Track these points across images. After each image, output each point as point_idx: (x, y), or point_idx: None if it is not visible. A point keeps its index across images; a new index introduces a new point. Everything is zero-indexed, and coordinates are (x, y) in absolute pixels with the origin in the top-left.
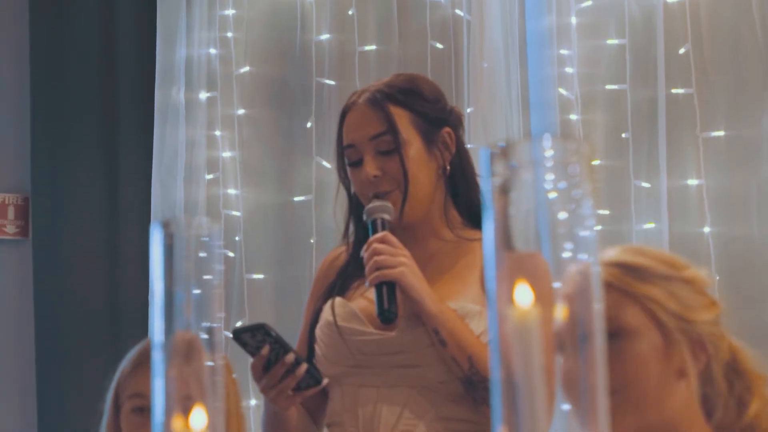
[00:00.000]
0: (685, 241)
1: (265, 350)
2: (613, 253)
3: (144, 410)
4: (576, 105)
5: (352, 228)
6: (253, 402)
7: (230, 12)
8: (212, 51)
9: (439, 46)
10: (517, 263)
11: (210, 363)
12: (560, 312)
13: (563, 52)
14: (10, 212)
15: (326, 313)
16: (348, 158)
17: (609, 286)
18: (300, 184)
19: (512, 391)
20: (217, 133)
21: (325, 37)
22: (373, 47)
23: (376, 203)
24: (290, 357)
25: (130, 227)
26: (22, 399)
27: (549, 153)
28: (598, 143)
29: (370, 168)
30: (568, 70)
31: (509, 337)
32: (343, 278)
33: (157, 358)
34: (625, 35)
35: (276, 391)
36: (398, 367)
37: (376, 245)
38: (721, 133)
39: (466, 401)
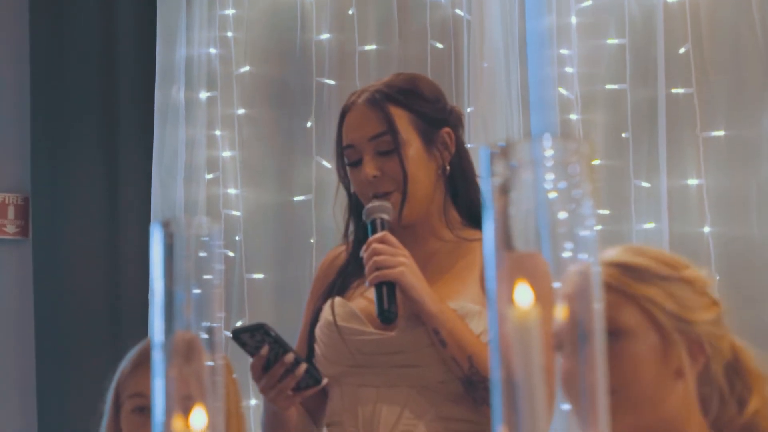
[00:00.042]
0: (685, 241)
1: (265, 350)
2: (613, 253)
3: (144, 410)
4: (576, 105)
5: (351, 228)
6: (253, 402)
7: (230, 12)
8: (212, 51)
9: (439, 45)
10: (517, 263)
11: (210, 363)
12: (560, 312)
13: (563, 51)
14: (10, 212)
15: (326, 313)
16: (347, 158)
17: (607, 287)
18: (300, 183)
19: (512, 391)
20: (217, 132)
21: (325, 36)
22: (373, 47)
23: (375, 203)
24: (289, 357)
25: (130, 227)
26: (22, 399)
27: (549, 153)
28: (598, 143)
29: (370, 168)
30: (568, 69)
31: (509, 337)
32: (343, 278)
33: (158, 357)
34: (625, 35)
35: (275, 391)
36: (398, 367)
37: (375, 245)
38: (721, 132)
39: (466, 401)
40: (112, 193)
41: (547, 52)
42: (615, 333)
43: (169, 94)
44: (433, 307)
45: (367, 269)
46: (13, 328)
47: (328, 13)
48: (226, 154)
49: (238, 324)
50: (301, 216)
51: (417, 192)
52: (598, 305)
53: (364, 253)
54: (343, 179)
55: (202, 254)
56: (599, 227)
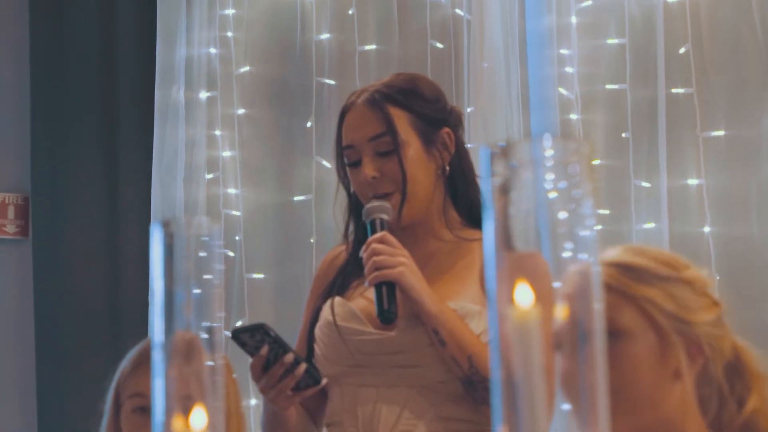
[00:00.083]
0: (685, 241)
1: (264, 350)
2: (613, 253)
3: (144, 410)
4: (576, 105)
5: (351, 227)
6: (253, 402)
7: (230, 12)
8: (212, 50)
9: (439, 45)
10: (517, 263)
11: (210, 363)
12: (560, 312)
13: (563, 51)
14: (10, 212)
15: (326, 313)
16: (347, 158)
17: (606, 287)
18: (300, 183)
19: (512, 391)
20: (217, 132)
21: (325, 36)
22: (373, 47)
23: (374, 203)
24: (289, 357)
25: (130, 227)
26: (22, 399)
27: (549, 153)
28: (598, 143)
29: (369, 170)
30: (568, 69)
31: (509, 336)
32: (343, 277)
33: (158, 357)
34: (625, 35)
35: (275, 391)
36: (398, 367)
37: (375, 245)
38: (721, 132)
39: (466, 401)
40: (112, 193)
41: (547, 52)
42: (614, 334)
43: (169, 94)
44: (433, 307)
45: (366, 269)
46: (13, 328)
47: (328, 13)
48: (226, 154)
49: (238, 324)
50: (301, 216)
51: (416, 193)
52: (598, 305)
53: (363, 253)
54: (343, 179)
55: (202, 254)
56: (599, 227)
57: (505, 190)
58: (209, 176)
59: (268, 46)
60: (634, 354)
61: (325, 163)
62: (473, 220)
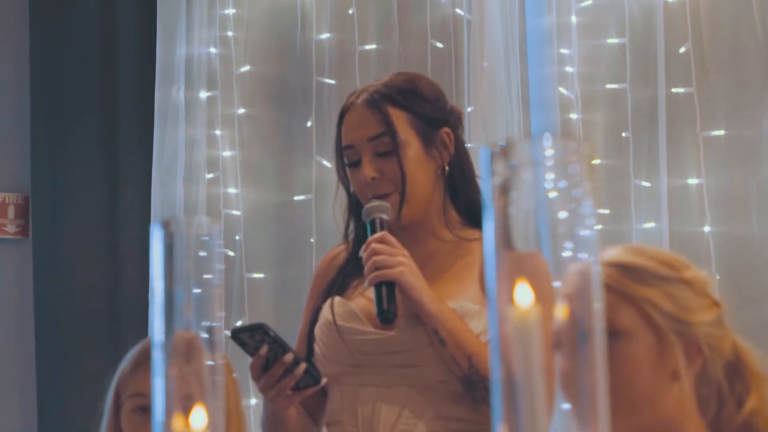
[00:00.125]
0: (685, 241)
1: (264, 350)
2: (612, 253)
3: (144, 410)
4: (576, 104)
5: (351, 227)
6: (253, 401)
7: (230, 11)
8: (212, 50)
9: (440, 45)
10: (517, 263)
11: (210, 362)
12: (560, 311)
13: (563, 51)
14: (10, 211)
15: (325, 312)
16: (347, 158)
17: (605, 287)
18: (300, 183)
19: (512, 391)
20: (218, 132)
21: (325, 36)
22: (374, 46)
23: (374, 203)
24: (289, 357)
25: (130, 227)
26: (22, 399)
27: (549, 152)
28: (598, 142)
29: (368, 170)
30: (569, 69)
31: (509, 336)
32: (343, 277)
33: (158, 357)
34: (625, 34)
35: (275, 390)
36: (397, 367)
37: (374, 245)
38: (722, 132)
39: (466, 401)
40: (112, 193)
41: (547, 52)
42: (612, 334)
43: (169, 93)
44: (433, 306)
45: (366, 269)
46: (13, 327)
47: (328, 12)
48: (226, 153)
49: (238, 323)
50: (301, 215)
51: (416, 193)
52: (598, 305)
53: (363, 253)
54: (343, 179)
55: (202, 254)
56: (599, 227)
57: (505, 189)
58: (209, 176)
59: (269, 45)
60: (633, 354)
61: (325, 162)
62: (473, 219)
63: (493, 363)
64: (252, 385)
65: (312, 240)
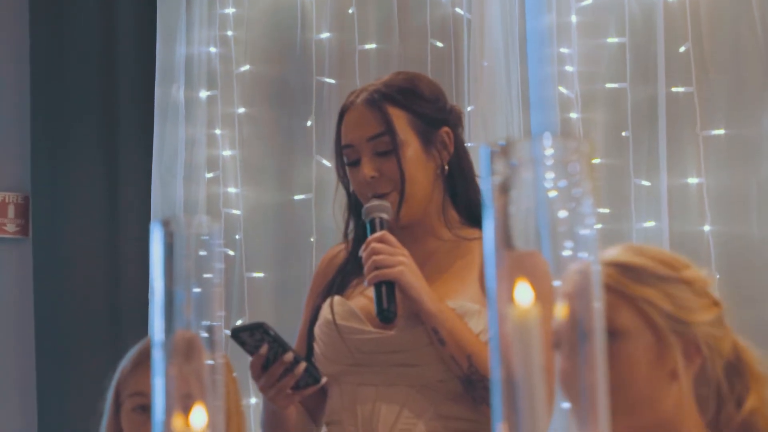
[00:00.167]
0: (685, 240)
1: (264, 349)
2: (612, 253)
3: (144, 409)
4: (576, 103)
5: (351, 226)
6: (253, 400)
7: (230, 11)
8: (212, 49)
9: (440, 44)
10: (517, 262)
11: (210, 361)
12: (560, 311)
13: (563, 50)
14: (11, 211)
15: (325, 312)
16: (346, 158)
17: (604, 287)
18: (300, 182)
19: (512, 390)
20: (218, 131)
21: (325, 35)
22: (374, 46)
23: (374, 202)
24: (289, 356)
25: (130, 226)
26: (22, 399)
27: (549, 151)
28: (598, 142)
29: (368, 169)
30: (569, 68)
31: (509, 335)
32: (342, 276)
33: (158, 356)
34: (625, 34)
35: (275, 389)
36: (397, 366)
37: (374, 245)
38: (722, 131)
39: (465, 400)
40: (112, 193)
41: (547, 51)
42: (611, 334)
43: (169, 93)
44: (432, 306)
45: (366, 268)
46: (13, 327)
47: (328, 12)
48: (226, 153)
49: (238, 323)
50: (301, 215)
51: (415, 192)
52: (598, 304)
53: (363, 253)
54: (342, 178)
55: (202, 253)
56: (599, 226)
57: (505, 188)
58: (209, 175)
59: (269, 45)
60: (631, 354)
61: (325, 162)
62: (472, 219)
63: (492, 362)
64: (252, 384)
65: (312, 239)
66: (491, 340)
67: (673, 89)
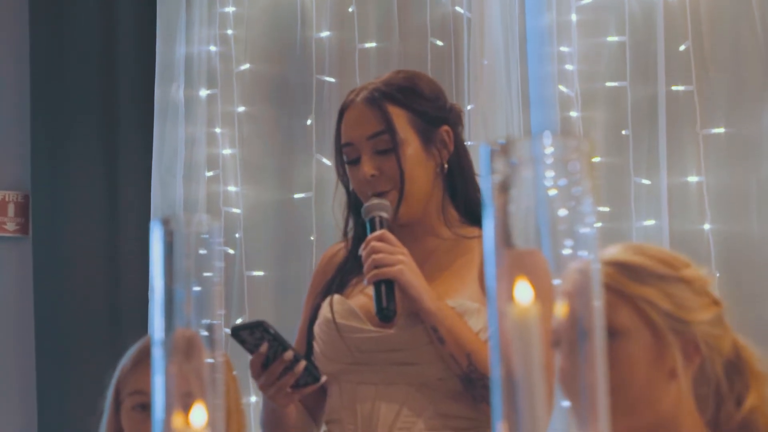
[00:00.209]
0: (685, 238)
1: (264, 347)
2: (612, 252)
3: (144, 407)
4: (576, 102)
5: (351, 225)
6: (253, 399)
7: (230, 9)
8: (212, 48)
9: (440, 43)
10: (517, 260)
11: (210, 360)
12: (560, 309)
13: (563, 49)
14: (10, 210)
15: (325, 311)
16: (346, 156)
17: (604, 286)
18: (300, 181)
19: (512, 388)
20: (218, 130)
21: (325, 34)
22: (374, 44)
23: (374, 201)
24: (289, 354)
25: (130, 225)
26: (22, 399)
27: (549, 150)
28: (598, 140)
29: (368, 168)
30: (569, 67)
31: (509, 334)
32: (342, 275)
33: (158, 355)
34: (625, 32)
35: (274, 388)
36: (397, 365)
37: (374, 243)
38: (722, 130)
39: (465, 398)
40: (112, 192)
41: (547, 50)
42: (610, 333)
43: (169, 92)
44: (432, 304)
45: (365, 267)
46: (13, 326)
47: (329, 10)
48: (226, 151)
49: (238, 321)
50: (301, 213)
51: (414, 191)
52: (597, 303)
53: (362, 251)
54: (342, 177)
55: (202, 252)
56: (599, 224)
57: (505, 187)
58: (209, 174)
59: (269, 43)
60: (630, 353)
61: (325, 160)
62: (472, 217)
63: (492, 361)
64: (252, 383)
65: (312, 238)
66: (491, 339)
67: (673, 88)
